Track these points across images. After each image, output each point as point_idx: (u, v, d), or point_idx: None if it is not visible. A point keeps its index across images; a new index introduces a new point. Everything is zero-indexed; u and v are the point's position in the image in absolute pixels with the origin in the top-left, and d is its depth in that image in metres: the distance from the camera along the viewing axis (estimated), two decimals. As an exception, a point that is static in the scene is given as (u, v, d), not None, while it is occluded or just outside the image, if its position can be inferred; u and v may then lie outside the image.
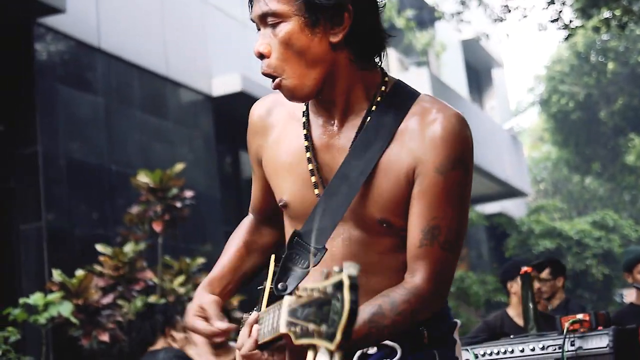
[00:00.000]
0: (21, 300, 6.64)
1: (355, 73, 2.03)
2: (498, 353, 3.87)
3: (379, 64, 2.09)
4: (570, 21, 15.32)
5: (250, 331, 1.95)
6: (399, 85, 2.10)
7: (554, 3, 14.71)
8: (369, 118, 2.03)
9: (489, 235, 19.54)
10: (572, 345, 3.67)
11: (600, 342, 3.62)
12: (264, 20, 1.99)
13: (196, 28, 10.49)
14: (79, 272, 6.64)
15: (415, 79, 14.31)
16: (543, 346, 3.74)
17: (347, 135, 2.07)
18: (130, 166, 8.34)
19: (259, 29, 2.04)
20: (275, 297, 1.97)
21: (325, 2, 1.94)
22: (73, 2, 8.06)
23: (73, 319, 6.24)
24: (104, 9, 8.80)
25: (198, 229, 9.35)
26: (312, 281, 1.76)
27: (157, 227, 7.11)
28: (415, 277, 1.98)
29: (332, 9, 1.94)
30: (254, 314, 1.99)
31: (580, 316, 3.69)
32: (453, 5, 16.19)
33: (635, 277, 5.93)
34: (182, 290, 7.07)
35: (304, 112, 2.14)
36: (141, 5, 9.51)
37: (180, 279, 7.15)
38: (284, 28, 1.96)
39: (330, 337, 1.41)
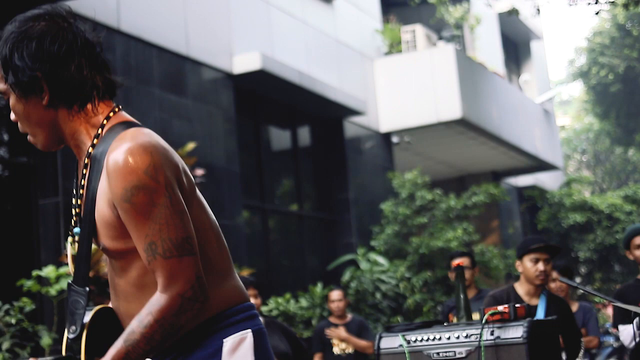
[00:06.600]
0: (34, 273, 7.09)
1: (77, 120, 2.35)
2: (428, 340, 4.17)
3: (96, 106, 2.37)
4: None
5: None
6: (118, 123, 2.34)
7: (585, -22, 14.76)
8: (87, 159, 2.33)
9: (522, 208, 19.79)
10: (492, 334, 3.98)
11: (516, 332, 3.92)
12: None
13: (218, 6, 10.78)
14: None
15: (442, 54, 14.48)
16: (467, 334, 4.05)
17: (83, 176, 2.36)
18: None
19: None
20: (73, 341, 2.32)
21: (22, 81, 2.28)
22: (92, -14, 8.42)
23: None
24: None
25: (217, 203, 9.72)
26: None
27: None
28: (157, 291, 2.21)
29: (31, 84, 2.29)
30: None
31: (500, 308, 4.00)
32: (485, -21, 16.24)
33: (633, 253, 5.85)
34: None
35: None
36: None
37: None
38: (10, 102, 2.35)
39: None
